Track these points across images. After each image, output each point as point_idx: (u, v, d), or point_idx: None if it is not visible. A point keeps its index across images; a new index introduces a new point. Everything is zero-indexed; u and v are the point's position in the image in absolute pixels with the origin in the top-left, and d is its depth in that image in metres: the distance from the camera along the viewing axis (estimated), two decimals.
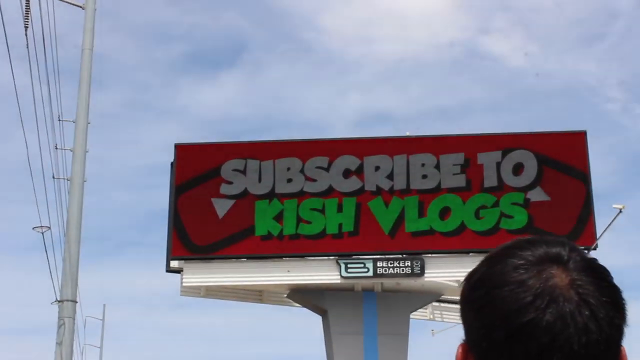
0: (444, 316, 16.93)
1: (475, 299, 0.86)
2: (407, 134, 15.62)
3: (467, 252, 13.45)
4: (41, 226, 13.34)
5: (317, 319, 14.76)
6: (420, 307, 15.37)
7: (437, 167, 13.90)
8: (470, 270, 0.92)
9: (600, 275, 0.85)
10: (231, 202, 13.86)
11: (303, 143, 14.68)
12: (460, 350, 0.89)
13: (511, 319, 0.80)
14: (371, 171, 13.93)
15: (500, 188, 13.78)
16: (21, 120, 12.23)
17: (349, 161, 14.03)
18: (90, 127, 12.45)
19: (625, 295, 0.91)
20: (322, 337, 14.57)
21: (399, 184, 13.89)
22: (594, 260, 0.89)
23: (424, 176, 13.90)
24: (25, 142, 12.65)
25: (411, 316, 14.84)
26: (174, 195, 13.85)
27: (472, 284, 0.88)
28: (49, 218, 13.34)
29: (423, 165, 13.93)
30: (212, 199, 13.82)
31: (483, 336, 0.82)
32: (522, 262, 0.84)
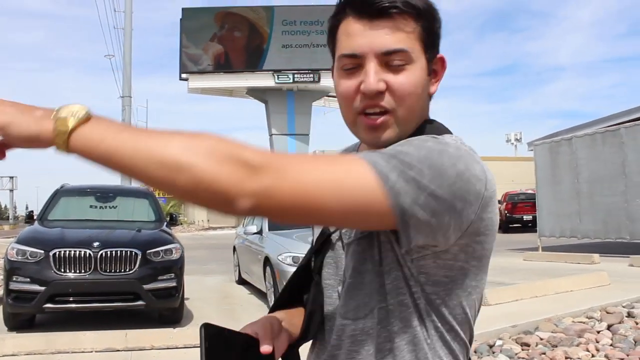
0: (331, 104, 27.11)
1: None
2: None
3: None
4: (109, 55, 23.63)
5: (262, 105, 25.83)
6: (318, 99, 25.92)
7: None
8: None
9: None
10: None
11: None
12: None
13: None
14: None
15: None
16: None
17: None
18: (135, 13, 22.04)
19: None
20: (265, 115, 25.64)
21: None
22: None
23: None
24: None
25: (313, 104, 25.30)
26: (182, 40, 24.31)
27: None
28: (114, 50, 23.57)
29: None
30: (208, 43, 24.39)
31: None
32: None
